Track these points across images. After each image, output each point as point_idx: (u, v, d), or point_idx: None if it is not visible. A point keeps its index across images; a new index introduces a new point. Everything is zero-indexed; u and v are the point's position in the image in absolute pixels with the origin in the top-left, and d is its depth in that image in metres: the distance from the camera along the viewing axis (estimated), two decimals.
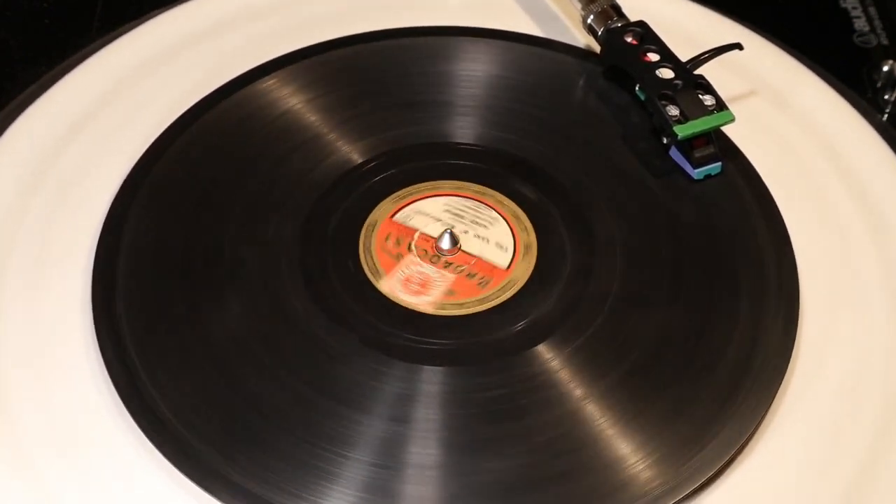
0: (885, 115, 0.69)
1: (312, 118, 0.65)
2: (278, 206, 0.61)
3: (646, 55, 0.64)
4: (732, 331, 0.57)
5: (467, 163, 0.63)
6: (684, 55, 0.64)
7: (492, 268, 0.59)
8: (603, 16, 0.66)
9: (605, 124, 0.65)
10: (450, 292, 0.58)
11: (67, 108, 0.66)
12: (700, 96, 0.62)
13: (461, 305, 0.57)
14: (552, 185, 0.62)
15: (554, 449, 0.53)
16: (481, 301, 0.58)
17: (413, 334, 0.56)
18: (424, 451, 0.52)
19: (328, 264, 0.59)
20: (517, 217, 0.61)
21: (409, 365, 0.55)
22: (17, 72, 0.70)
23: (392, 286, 0.58)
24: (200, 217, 0.60)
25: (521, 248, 0.60)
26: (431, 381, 0.55)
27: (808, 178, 0.65)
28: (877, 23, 0.75)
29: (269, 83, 0.66)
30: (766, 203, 0.62)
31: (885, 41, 0.74)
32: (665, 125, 0.61)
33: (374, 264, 0.59)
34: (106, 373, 0.55)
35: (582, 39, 0.70)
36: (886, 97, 0.70)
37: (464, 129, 0.65)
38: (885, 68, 0.71)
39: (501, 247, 0.60)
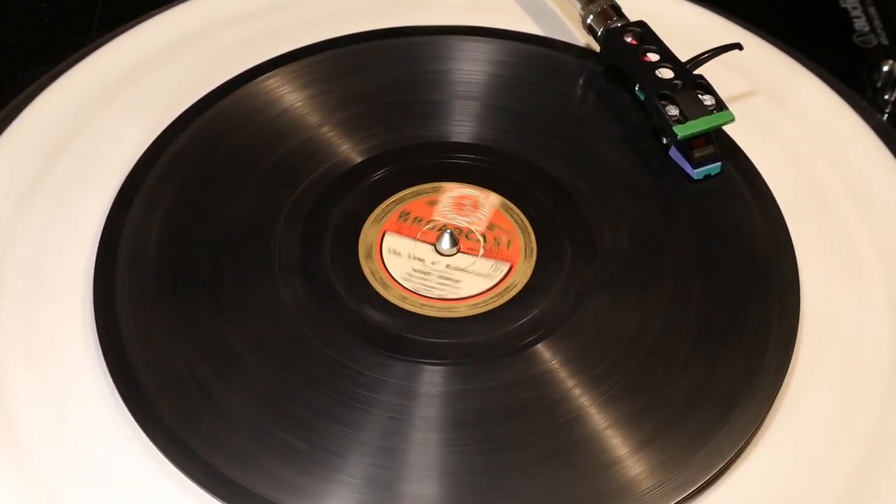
0: (885, 115, 0.69)
1: (312, 118, 0.65)
2: (278, 206, 0.61)
3: (645, 55, 0.64)
4: (732, 331, 0.57)
5: (467, 163, 0.63)
6: (684, 55, 0.64)
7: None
8: (602, 16, 0.66)
9: (605, 124, 0.65)
10: (492, 226, 0.59)
11: (67, 108, 0.66)
12: (700, 96, 0.62)
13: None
14: (552, 184, 0.62)
15: (554, 449, 0.53)
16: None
17: (413, 334, 0.56)
18: (425, 451, 0.52)
19: (328, 264, 0.59)
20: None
21: (410, 365, 0.55)
22: (17, 72, 0.70)
23: (443, 213, 0.58)
24: (200, 217, 0.60)
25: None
26: (432, 380, 0.55)
27: (808, 177, 0.65)
28: (877, 23, 0.75)
29: (269, 82, 0.66)
30: (766, 203, 0.62)
31: (885, 41, 0.74)
32: (665, 125, 0.61)
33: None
34: (107, 373, 0.55)
35: (582, 39, 0.70)
36: (886, 97, 0.70)
37: (464, 129, 0.65)
38: (885, 68, 0.71)
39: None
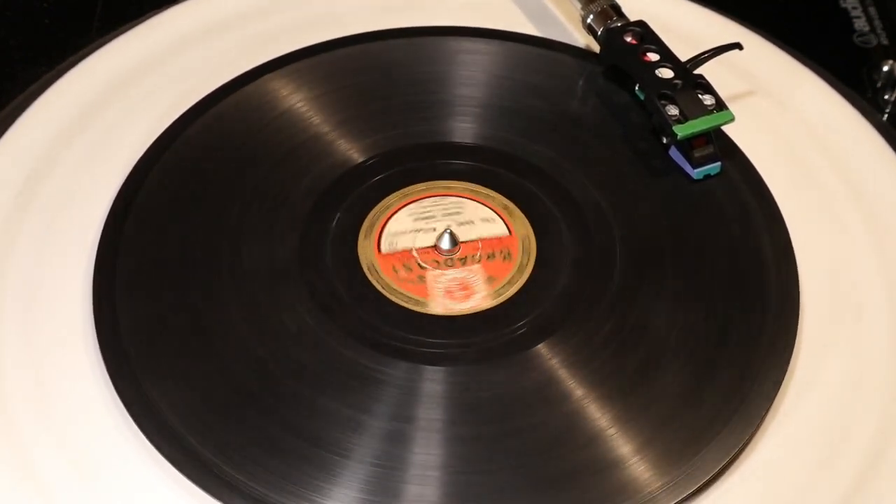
0: (885, 115, 0.69)
1: (312, 118, 0.65)
2: (278, 206, 0.61)
3: (645, 55, 0.64)
4: (732, 331, 0.57)
5: (467, 163, 0.63)
6: (684, 55, 0.64)
7: (498, 240, 0.59)
8: (602, 16, 0.66)
9: (605, 124, 0.65)
10: (490, 279, 0.58)
11: (67, 109, 0.66)
12: (699, 96, 0.62)
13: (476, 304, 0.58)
14: (552, 185, 0.62)
15: (554, 449, 0.53)
16: (482, 301, 0.58)
17: (414, 334, 0.56)
18: (425, 451, 0.53)
19: (328, 264, 0.59)
20: (517, 216, 0.61)
21: (410, 364, 0.55)
22: (17, 72, 0.70)
23: (443, 305, 0.58)
24: (200, 217, 0.60)
25: (503, 214, 0.61)
26: (432, 380, 0.55)
27: (808, 177, 0.65)
28: (877, 23, 0.75)
29: (269, 83, 0.66)
30: (766, 203, 0.62)
31: (885, 41, 0.74)
32: (664, 125, 0.61)
33: (375, 264, 0.59)
34: (107, 373, 0.55)
35: (581, 39, 0.70)
36: (886, 97, 0.70)
37: (463, 129, 0.65)
38: (885, 68, 0.71)
39: (487, 220, 0.60)
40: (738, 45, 0.65)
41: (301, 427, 0.53)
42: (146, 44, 0.69)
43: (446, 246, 0.60)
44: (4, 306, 0.57)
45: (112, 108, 0.66)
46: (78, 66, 0.68)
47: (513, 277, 0.59)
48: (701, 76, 0.63)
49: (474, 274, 0.59)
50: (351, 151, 0.63)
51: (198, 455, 0.52)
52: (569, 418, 0.54)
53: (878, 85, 0.71)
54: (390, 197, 0.61)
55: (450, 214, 0.61)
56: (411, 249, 0.60)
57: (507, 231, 0.60)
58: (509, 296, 0.58)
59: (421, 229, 0.60)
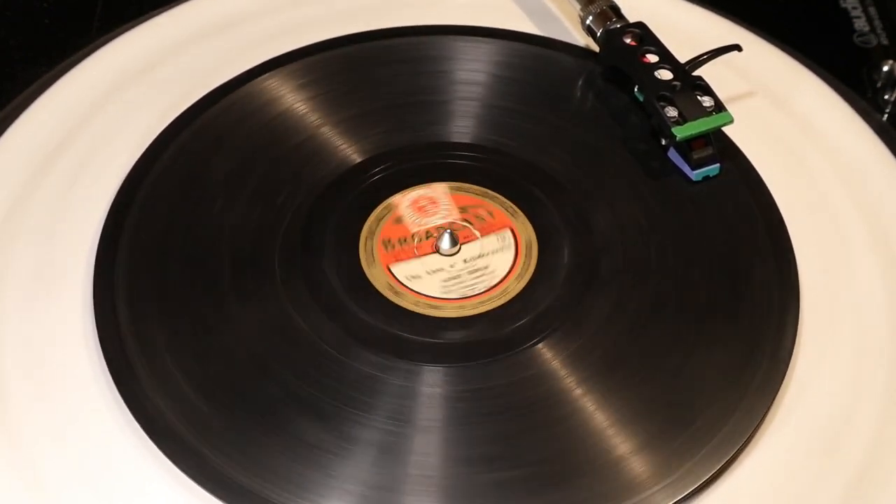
0: (885, 115, 0.69)
1: (312, 117, 0.65)
2: (278, 206, 0.61)
3: (644, 56, 0.64)
4: (732, 331, 0.57)
5: (467, 163, 0.63)
6: (683, 56, 0.64)
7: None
8: (602, 17, 0.66)
9: (604, 125, 0.65)
10: (463, 209, 0.60)
11: (67, 109, 0.66)
12: (699, 97, 0.62)
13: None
14: (551, 185, 0.62)
15: (554, 449, 0.53)
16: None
17: (413, 334, 0.56)
18: (425, 451, 0.53)
19: (328, 264, 0.59)
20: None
21: (410, 364, 0.55)
22: (17, 72, 0.70)
23: (415, 223, 0.59)
24: (200, 217, 0.60)
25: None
26: (432, 380, 0.55)
27: (808, 178, 0.65)
28: (877, 23, 0.75)
29: (269, 82, 0.66)
30: (766, 203, 0.62)
31: (885, 41, 0.74)
32: (664, 126, 0.61)
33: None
34: (107, 373, 0.55)
35: (581, 39, 0.70)
36: (886, 97, 0.70)
37: (463, 129, 0.65)
38: (885, 68, 0.71)
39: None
40: (737, 47, 0.65)
41: (301, 427, 0.53)
42: (146, 44, 0.69)
43: (447, 246, 0.60)
44: (5, 306, 0.57)
45: (112, 108, 0.66)
46: (78, 66, 0.68)
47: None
48: (700, 78, 0.63)
49: (437, 191, 0.59)
50: (350, 151, 0.63)
51: (199, 454, 0.52)
52: (568, 418, 0.54)
53: (878, 85, 0.71)
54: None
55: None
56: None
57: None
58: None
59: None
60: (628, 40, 0.65)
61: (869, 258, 0.61)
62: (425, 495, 0.51)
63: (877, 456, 0.54)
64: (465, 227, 0.61)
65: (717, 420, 0.54)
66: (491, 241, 0.60)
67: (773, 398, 0.55)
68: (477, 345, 0.56)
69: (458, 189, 0.62)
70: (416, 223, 0.60)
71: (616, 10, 0.67)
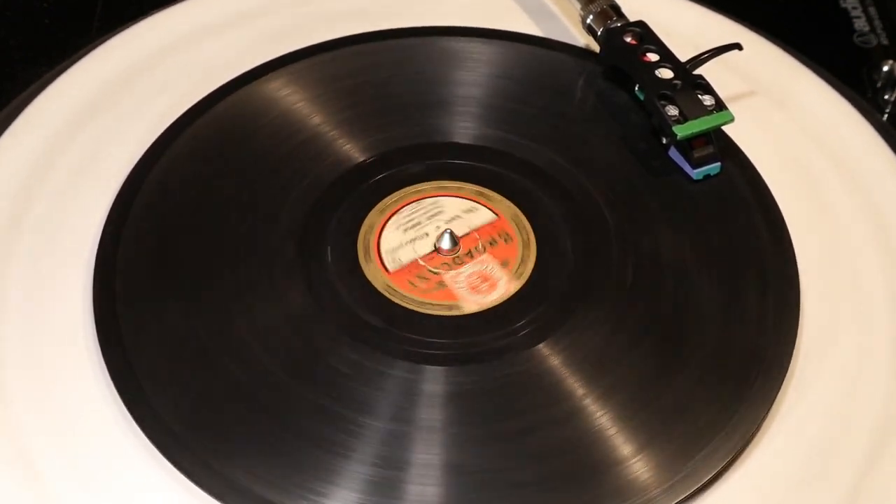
0: (885, 115, 0.69)
1: (312, 118, 0.65)
2: (278, 206, 0.61)
3: (645, 55, 0.64)
4: (733, 331, 0.57)
5: (467, 163, 0.63)
6: (684, 55, 0.64)
7: (491, 225, 0.60)
8: (602, 16, 0.66)
9: (605, 124, 0.65)
10: (505, 263, 0.59)
11: (67, 108, 0.66)
12: (699, 96, 0.62)
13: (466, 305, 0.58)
14: (551, 185, 0.62)
15: (554, 449, 0.53)
16: (509, 286, 0.58)
17: (414, 334, 0.56)
18: (426, 452, 0.53)
19: (328, 264, 0.59)
20: (516, 217, 0.61)
21: (411, 365, 0.55)
22: (17, 72, 0.70)
23: (476, 302, 0.58)
24: (200, 217, 0.60)
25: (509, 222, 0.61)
26: (432, 380, 0.55)
27: (808, 177, 0.65)
28: (877, 23, 0.75)
29: (269, 83, 0.66)
30: (766, 203, 0.62)
31: (885, 41, 0.74)
32: (664, 125, 0.61)
33: (375, 264, 0.59)
34: (107, 373, 0.55)
35: (581, 39, 0.70)
36: (886, 97, 0.70)
37: (463, 129, 0.65)
38: (885, 68, 0.71)
39: (470, 210, 0.61)
40: (737, 46, 0.65)
41: (301, 428, 0.53)
42: (146, 44, 0.69)
43: (447, 246, 0.60)
44: (5, 307, 0.57)
45: (112, 108, 0.66)
46: (78, 65, 0.68)
47: (523, 255, 0.59)
48: (700, 76, 0.63)
49: (487, 263, 0.59)
50: (350, 151, 0.63)
51: (199, 455, 0.52)
52: (568, 419, 0.54)
53: (878, 85, 0.71)
54: (371, 214, 0.61)
55: (433, 216, 0.61)
56: (417, 259, 0.60)
57: (493, 215, 0.60)
58: (510, 296, 0.58)
59: (414, 238, 0.60)
60: (629, 39, 0.65)
61: (869, 257, 0.61)
62: (425, 494, 0.51)
63: (878, 456, 0.54)
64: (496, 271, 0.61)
65: (718, 421, 0.54)
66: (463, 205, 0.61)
67: (774, 398, 0.55)
68: (477, 345, 0.56)
69: (515, 218, 0.61)
70: (470, 300, 0.59)
71: (616, 9, 0.67)
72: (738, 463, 0.54)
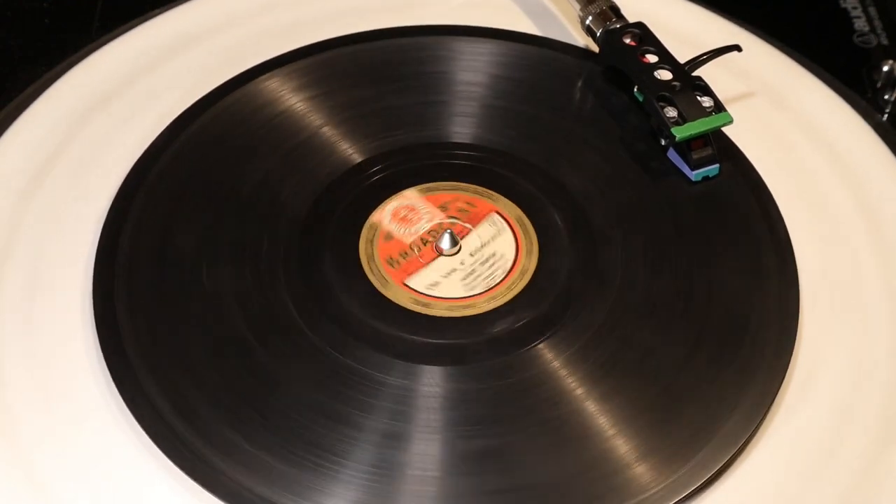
0: (885, 115, 0.69)
1: (312, 117, 0.65)
2: (278, 206, 0.61)
3: (644, 56, 0.64)
4: (732, 331, 0.57)
5: (467, 163, 0.63)
6: (683, 56, 0.64)
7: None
8: (602, 17, 0.66)
9: (604, 125, 0.65)
10: (443, 206, 0.60)
11: (67, 108, 0.66)
12: (698, 98, 0.62)
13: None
14: (551, 185, 0.62)
15: (554, 449, 0.53)
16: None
17: (413, 334, 0.56)
18: (425, 452, 0.53)
19: (328, 264, 0.59)
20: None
21: (410, 365, 0.55)
22: (17, 72, 0.70)
23: (405, 235, 0.59)
24: (200, 216, 0.60)
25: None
26: (432, 381, 0.55)
27: (808, 178, 0.65)
28: (877, 23, 0.75)
29: (269, 82, 0.66)
30: (766, 203, 0.62)
31: (885, 41, 0.74)
32: (663, 127, 0.61)
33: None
34: (107, 372, 0.55)
35: (581, 39, 0.70)
36: (886, 97, 0.70)
37: (463, 129, 0.65)
38: (885, 68, 0.71)
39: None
40: (737, 48, 0.65)
41: (302, 428, 0.53)
42: (146, 44, 0.69)
43: (447, 246, 0.60)
44: (5, 306, 0.57)
45: (112, 108, 0.66)
46: (78, 65, 0.68)
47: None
48: (699, 78, 0.63)
49: (411, 198, 0.60)
50: (350, 151, 0.63)
51: (198, 454, 0.52)
52: (568, 419, 0.54)
53: (878, 85, 0.71)
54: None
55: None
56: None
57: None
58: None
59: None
60: (628, 40, 0.65)
61: (869, 257, 0.61)
62: (425, 496, 0.51)
63: (877, 456, 0.55)
64: (454, 223, 0.61)
65: (717, 421, 0.54)
66: (485, 229, 0.60)
67: (774, 398, 0.55)
68: (476, 345, 0.56)
69: (428, 190, 0.62)
70: (407, 234, 0.60)
71: (616, 11, 0.67)
72: (737, 463, 0.54)
